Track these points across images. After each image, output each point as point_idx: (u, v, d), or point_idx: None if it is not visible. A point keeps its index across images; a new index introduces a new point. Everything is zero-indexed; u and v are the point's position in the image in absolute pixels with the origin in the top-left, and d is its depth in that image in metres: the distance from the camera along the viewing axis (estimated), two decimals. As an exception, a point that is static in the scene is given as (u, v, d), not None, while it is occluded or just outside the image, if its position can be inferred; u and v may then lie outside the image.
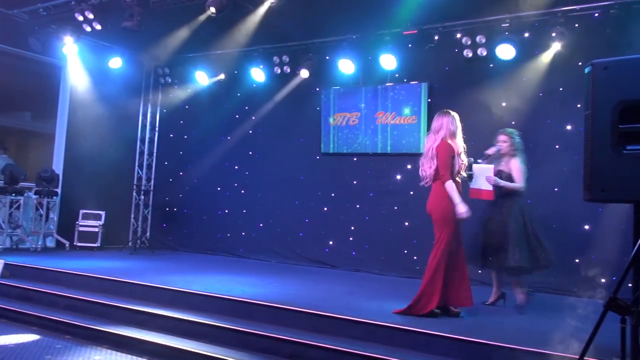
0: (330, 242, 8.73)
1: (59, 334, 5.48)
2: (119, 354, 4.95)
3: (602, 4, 6.60)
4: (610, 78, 3.44)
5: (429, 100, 7.98)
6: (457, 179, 5.13)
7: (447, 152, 5.04)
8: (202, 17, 7.57)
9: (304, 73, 8.62)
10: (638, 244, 2.60)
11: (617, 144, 3.37)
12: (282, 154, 9.28)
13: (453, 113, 5.23)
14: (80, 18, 7.95)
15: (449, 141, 5.09)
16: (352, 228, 8.57)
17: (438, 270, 5.00)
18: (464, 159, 5.17)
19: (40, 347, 5.03)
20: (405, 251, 8.01)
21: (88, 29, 8.11)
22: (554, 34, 6.90)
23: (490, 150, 5.68)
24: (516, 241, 5.33)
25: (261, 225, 9.39)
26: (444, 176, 5.02)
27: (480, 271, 6.54)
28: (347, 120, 8.62)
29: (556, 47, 6.95)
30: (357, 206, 8.55)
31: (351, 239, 8.55)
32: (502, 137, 5.70)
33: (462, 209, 4.94)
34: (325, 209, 8.83)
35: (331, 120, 8.75)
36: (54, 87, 9.85)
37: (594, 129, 3.47)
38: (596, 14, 6.76)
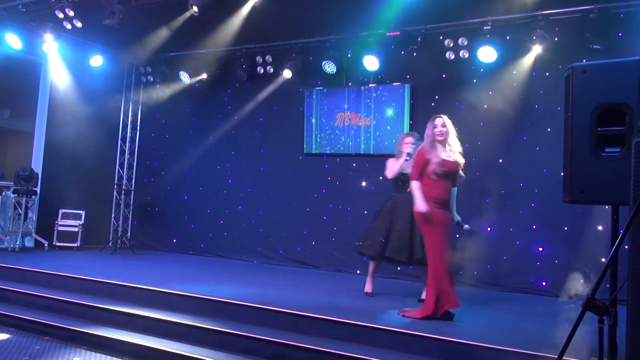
0: (313, 243, 8.72)
1: (37, 335, 5.41)
2: (98, 354, 4.90)
3: (581, 8, 6.68)
4: (589, 81, 3.49)
5: (411, 101, 8.02)
6: (433, 176, 5.05)
7: (418, 157, 5.11)
8: (185, 16, 7.51)
9: (287, 73, 8.62)
10: (616, 244, 2.64)
11: (596, 147, 3.43)
12: (265, 154, 9.26)
13: (434, 118, 5.22)
14: (61, 15, 7.84)
15: (424, 146, 5.13)
16: (335, 229, 8.57)
17: (445, 269, 4.93)
18: (444, 165, 5.08)
19: (18, 348, 4.96)
20: (387, 252, 8.02)
21: (68, 26, 8.01)
22: (534, 37, 6.97)
23: (411, 150, 5.77)
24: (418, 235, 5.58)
25: (243, 225, 9.35)
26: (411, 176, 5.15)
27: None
28: (330, 120, 8.62)
29: (537, 50, 7.03)
30: (340, 207, 8.56)
31: (333, 239, 8.55)
32: (411, 139, 5.89)
33: (420, 206, 4.96)
34: (308, 209, 8.83)
35: (311, 119, 8.76)
36: (33, 84, 9.72)
37: (573, 131, 3.52)
38: (576, 18, 6.85)
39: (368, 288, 6.18)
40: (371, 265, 6.20)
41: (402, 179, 5.89)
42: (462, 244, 7.50)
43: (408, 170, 5.67)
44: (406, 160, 5.76)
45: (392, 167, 5.93)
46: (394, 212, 5.93)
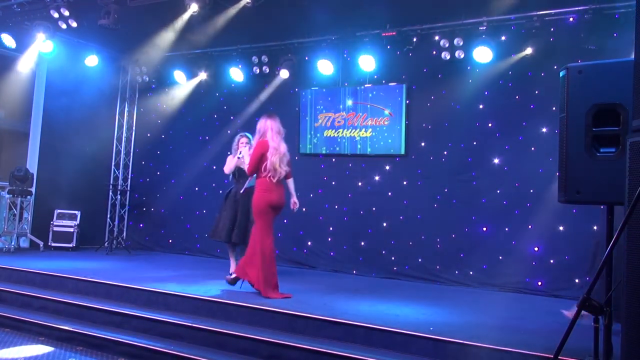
0: (309, 243, 8.73)
1: (33, 336, 5.39)
2: (94, 355, 4.89)
3: (576, 8, 6.72)
4: (585, 82, 3.51)
5: (407, 101, 8.03)
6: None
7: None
8: (181, 16, 7.50)
9: (284, 73, 8.60)
10: (610, 244, 2.65)
11: (591, 147, 3.44)
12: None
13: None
14: (56, 15, 7.82)
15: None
16: (331, 229, 8.58)
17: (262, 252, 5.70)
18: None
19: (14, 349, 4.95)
20: (384, 252, 8.04)
21: (64, 26, 7.99)
22: (530, 38, 6.99)
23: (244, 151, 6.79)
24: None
25: (239, 225, 9.33)
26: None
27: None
28: (326, 120, 8.63)
29: (532, 50, 7.04)
30: (336, 207, 8.56)
31: (330, 239, 8.56)
32: (245, 139, 6.87)
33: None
34: (304, 209, 8.78)
35: (307, 119, 8.76)
36: (28, 84, 9.67)
37: (568, 131, 3.53)
38: (571, 19, 6.88)
39: (233, 269, 6.90)
40: (229, 248, 7.08)
41: (238, 173, 6.88)
42: (459, 244, 7.55)
43: (243, 166, 6.71)
44: (239, 158, 6.77)
45: (229, 164, 6.87)
46: (236, 202, 6.85)
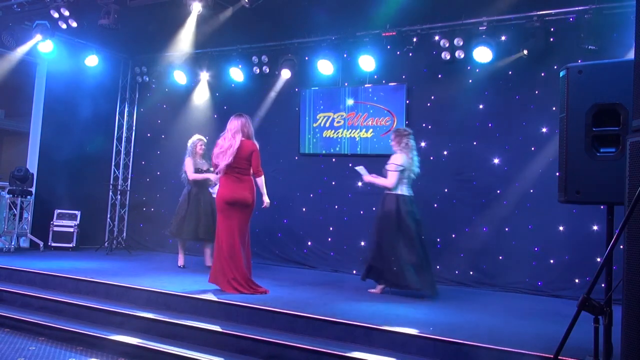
0: (309, 243, 8.73)
1: (33, 336, 5.39)
2: (94, 355, 4.89)
3: (577, 8, 6.71)
4: (585, 82, 3.51)
5: (407, 101, 8.03)
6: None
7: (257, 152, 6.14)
8: (181, 16, 7.50)
9: (285, 73, 8.60)
10: (611, 244, 2.66)
11: (591, 147, 3.44)
12: (261, 154, 9.22)
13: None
14: (56, 15, 7.82)
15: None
16: (331, 229, 8.58)
17: (230, 252, 5.93)
18: None
19: (14, 348, 4.95)
20: (383, 252, 8.03)
21: (64, 26, 7.99)
22: (530, 38, 6.99)
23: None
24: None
25: (239, 225, 9.33)
26: (261, 172, 6.14)
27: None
28: (326, 120, 8.63)
29: (532, 50, 7.04)
30: (336, 207, 8.56)
31: (330, 239, 8.56)
32: (201, 143, 7.95)
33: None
34: (304, 209, 8.83)
35: (307, 119, 8.76)
36: (28, 84, 9.68)
37: (568, 132, 3.54)
38: (571, 19, 6.89)
39: (181, 262, 7.85)
40: (180, 244, 7.90)
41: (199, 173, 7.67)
42: (459, 244, 7.54)
43: (204, 167, 7.68)
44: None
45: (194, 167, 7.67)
46: (198, 201, 7.61)
